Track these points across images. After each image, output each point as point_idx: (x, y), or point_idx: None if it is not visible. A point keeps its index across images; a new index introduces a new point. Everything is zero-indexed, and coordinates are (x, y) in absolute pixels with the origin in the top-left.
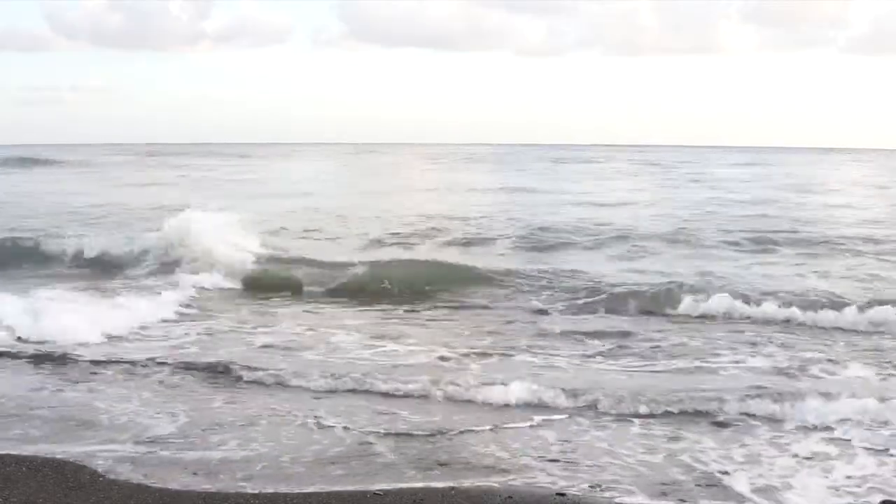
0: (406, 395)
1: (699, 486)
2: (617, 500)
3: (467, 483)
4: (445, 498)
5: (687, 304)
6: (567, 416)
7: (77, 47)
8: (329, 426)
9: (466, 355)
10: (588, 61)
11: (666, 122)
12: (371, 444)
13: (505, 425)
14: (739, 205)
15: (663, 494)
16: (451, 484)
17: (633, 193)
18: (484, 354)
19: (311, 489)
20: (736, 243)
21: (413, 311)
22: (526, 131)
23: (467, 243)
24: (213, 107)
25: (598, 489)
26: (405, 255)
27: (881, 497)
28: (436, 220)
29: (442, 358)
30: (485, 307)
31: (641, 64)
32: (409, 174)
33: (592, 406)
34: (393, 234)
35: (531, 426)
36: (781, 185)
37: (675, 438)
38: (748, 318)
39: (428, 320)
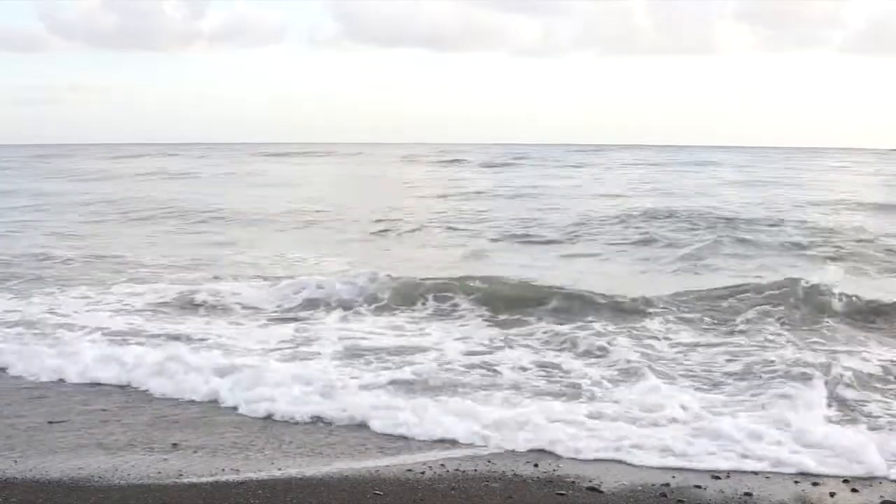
0: None
1: None
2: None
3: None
4: (446, 497)
5: None
6: None
7: (73, 47)
8: None
9: None
10: (584, 61)
11: (663, 121)
12: None
13: None
14: None
15: None
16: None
17: None
18: None
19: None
20: None
21: None
22: (524, 131)
23: None
24: (212, 106)
25: (597, 490)
26: None
27: None
28: None
29: None
30: None
31: (637, 64)
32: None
33: None
34: None
35: None
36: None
37: None
38: None
39: None
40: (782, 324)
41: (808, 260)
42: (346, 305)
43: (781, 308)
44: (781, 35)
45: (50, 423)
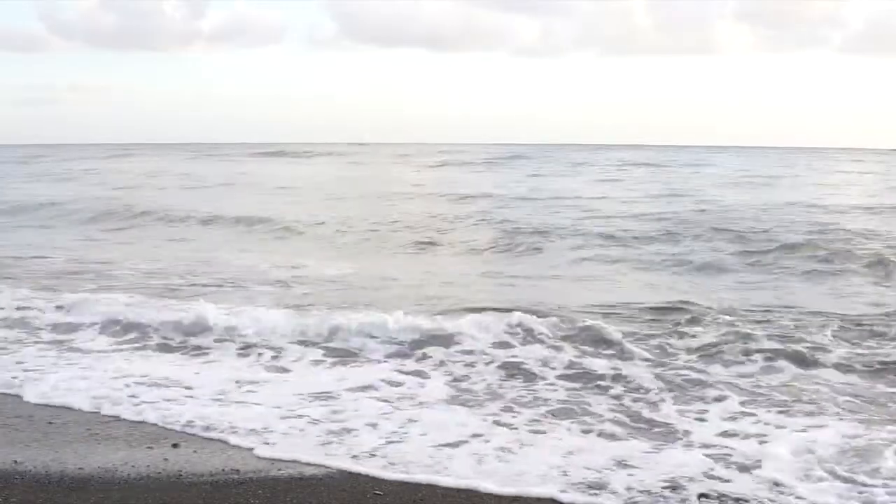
0: None
1: None
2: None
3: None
4: (446, 498)
5: None
6: None
7: (73, 47)
8: None
9: None
10: (584, 61)
11: (663, 121)
12: None
13: None
14: None
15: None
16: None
17: None
18: None
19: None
20: None
21: None
22: (524, 131)
23: None
24: (211, 106)
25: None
26: None
27: None
28: None
29: None
30: None
31: (637, 64)
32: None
33: None
34: None
35: None
36: None
37: None
38: None
39: None
40: None
41: None
42: None
43: None
44: (781, 35)
45: (50, 423)
